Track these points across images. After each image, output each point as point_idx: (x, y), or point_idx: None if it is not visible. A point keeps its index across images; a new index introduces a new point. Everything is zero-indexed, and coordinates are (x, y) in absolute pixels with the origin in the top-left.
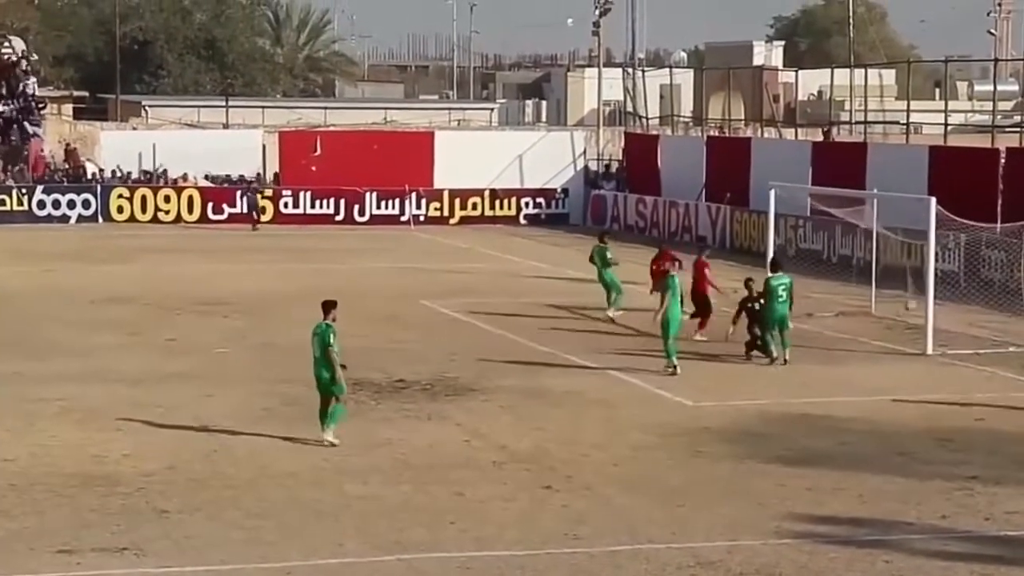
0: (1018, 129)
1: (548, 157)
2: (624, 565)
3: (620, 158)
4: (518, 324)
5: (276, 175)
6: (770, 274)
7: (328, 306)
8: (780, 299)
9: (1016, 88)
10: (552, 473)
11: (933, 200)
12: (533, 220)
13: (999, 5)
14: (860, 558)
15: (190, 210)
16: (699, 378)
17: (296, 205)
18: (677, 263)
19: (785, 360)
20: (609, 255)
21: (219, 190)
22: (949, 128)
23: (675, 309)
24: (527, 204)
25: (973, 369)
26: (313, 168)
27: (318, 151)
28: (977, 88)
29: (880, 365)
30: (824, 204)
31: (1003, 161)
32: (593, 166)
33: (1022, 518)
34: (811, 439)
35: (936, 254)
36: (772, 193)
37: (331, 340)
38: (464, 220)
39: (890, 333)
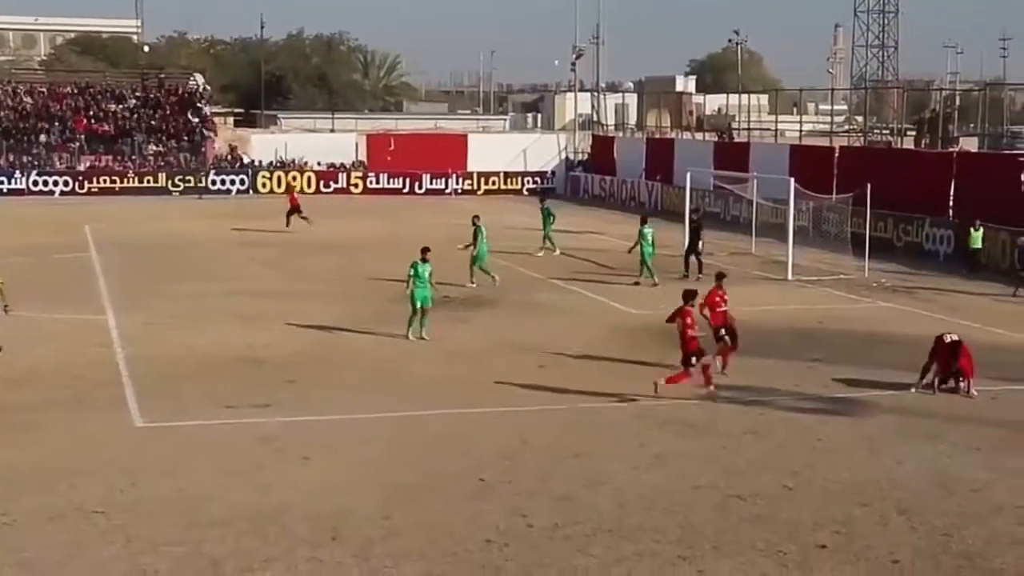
0: (846, 134)
1: (542, 151)
2: (590, 415)
3: (589, 151)
4: (520, 259)
5: (363, 163)
6: (641, 226)
7: (425, 250)
8: (647, 241)
9: (845, 107)
10: (543, 357)
11: (792, 180)
12: (532, 192)
13: (835, 53)
14: (743, 411)
15: (309, 185)
16: (640, 296)
17: (378, 182)
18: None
19: (654, 284)
20: (551, 214)
21: (328, 172)
22: (802, 133)
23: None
24: (528, 181)
25: (817, 289)
26: (388, 158)
27: (392, 147)
28: (821, 107)
29: (758, 286)
30: (722, 182)
31: (837, 155)
32: (571, 157)
33: (846, 385)
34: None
35: (794, 215)
36: (688, 175)
37: (430, 272)
38: (487, 192)
39: (764, 266)
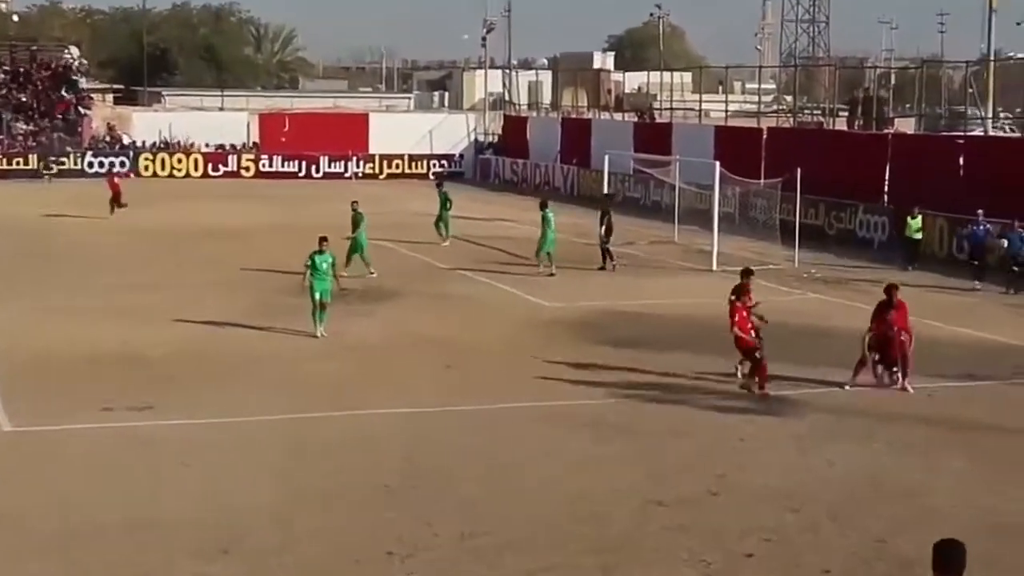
0: (775, 114)
1: (450, 132)
2: (499, 418)
3: (500, 133)
4: (426, 249)
5: (256, 144)
6: (542, 210)
7: (322, 240)
8: (551, 227)
9: (774, 86)
10: (452, 353)
11: (717, 164)
12: (439, 176)
13: (763, 28)
14: (665, 410)
15: (195, 168)
16: (554, 287)
17: (271, 165)
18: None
19: (551, 274)
20: (448, 199)
21: (217, 154)
22: (728, 113)
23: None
24: (434, 164)
25: None
26: (283, 139)
27: (286, 127)
28: (748, 86)
29: (680, 278)
30: (642, 166)
31: (765, 137)
32: (481, 138)
33: (775, 381)
34: (630, 329)
35: (719, 201)
36: (606, 158)
37: (330, 263)
38: (390, 176)
39: (687, 255)
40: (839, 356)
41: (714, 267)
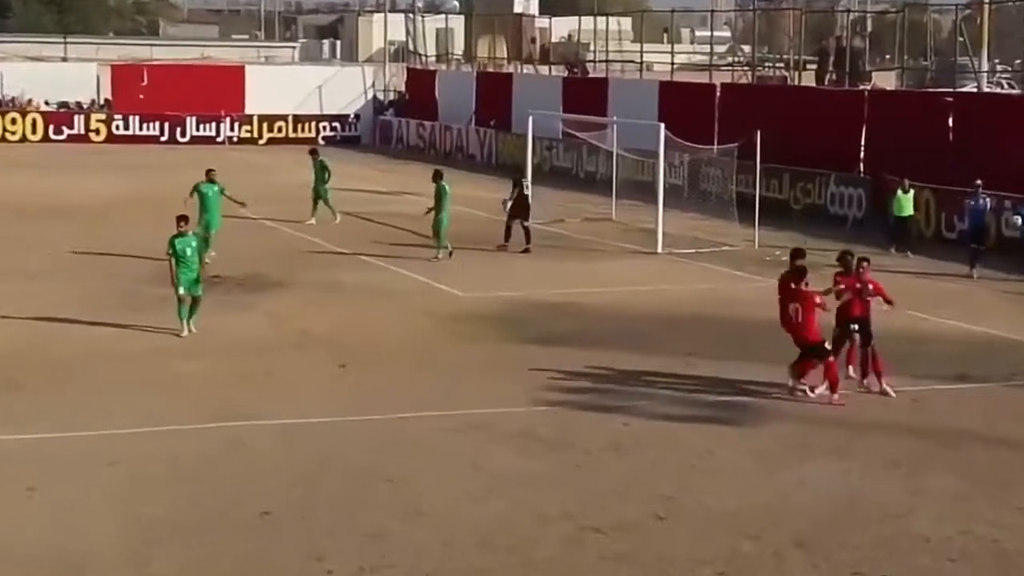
0: (730, 68)
1: (342, 88)
2: (409, 429)
3: (403, 90)
4: (317, 229)
5: (108, 102)
6: (437, 181)
7: (182, 220)
8: (448, 201)
9: (729, 34)
10: (346, 353)
11: (662, 126)
12: (330, 141)
13: None
14: (603, 421)
15: (33, 131)
16: (469, 273)
17: (127, 127)
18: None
19: (449, 254)
20: (327, 168)
21: (59, 113)
22: (675, 67)
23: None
24: (324, 128)
25: (694, 265)
26: (141, 96)
27: (145, 81)
28: (698, 33)
29: (619, 262)
30: (573, 129)
31: (719, 94)
32: (380, 96)
33: (732, 386)
34: (562, 323)
35: (665, 171)
36: (530, 119)
37: (196, 247)
38: (271, 141)
39: (627, 235)
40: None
41: (659, 249)
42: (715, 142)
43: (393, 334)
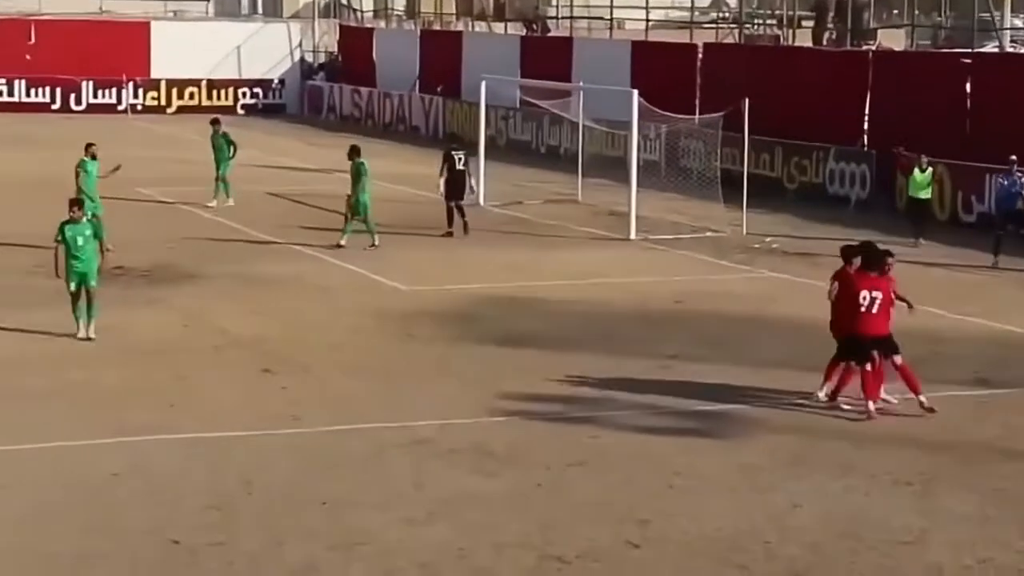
0: (714, 25)
1: (265, 48)
2: (343, 444)
3: (335, 51)
4: (236, 212)
5: None
6: (354, 157)
7: (75, 204)
8: (366, 180)
9: None
10: (271, 356)
11: (635, 93)
12: (250, 110)
13: None
14: (567, 433)
15: None
16: (413, 264)
17: (11, 94)
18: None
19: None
20: (231, 143)
21: None
22: (650, 24)
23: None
24: (244, 94)
25: (673, 253)
26: (28, 57)
27: (32, 40)
28: None
29: (586, 250)
30: (533, 96)
31: (700, 56)
32: (309, 58)
33: (717, 393)
34: (521, 321)
35: (639, 144)
36: (483, 85)
37: (92, 234)
38: (181, 110)
39: (596, 219)
40: (805, 356)
41: (632, 235)
42: (697, 111)
43: (325, 334)
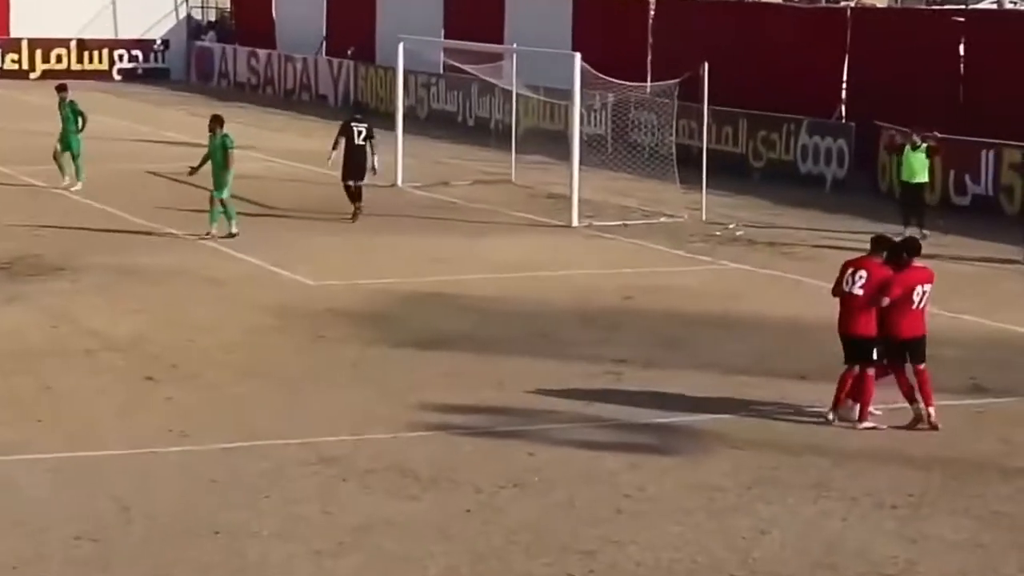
0: None
1: (145, 4)
2: (239, 464)
3: (228, 7)
4: (113, 194)
5: None
6: (216, 129)
7: None
8: (224, 155)
9: None
10: (154, 362)
11: (578, 56)
12: (129, 76)
13: None
14: (500, 450)
15: None
16: (321, 254)
17: None
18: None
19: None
20: (79, 114)
21: None
22: None
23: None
24: (121, 57)
25: (621, 241)
26: None
27: None
28: None
29: (522, 238)
30: (459, 60)
31: (652, 14)
32: (197, 15)
33: (672, 404)
34: (446, 320)
35: (581, 116)
36: (401, 47)
37: None
38: (47, 74)
39: (532, 203)
40: (778, 358)
41: (574, 221)
42: (648, 78)
43: (219, 336)
